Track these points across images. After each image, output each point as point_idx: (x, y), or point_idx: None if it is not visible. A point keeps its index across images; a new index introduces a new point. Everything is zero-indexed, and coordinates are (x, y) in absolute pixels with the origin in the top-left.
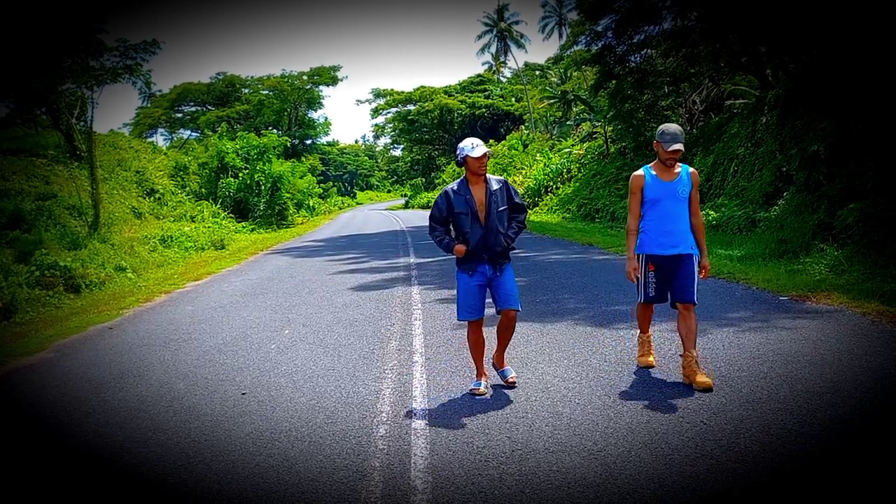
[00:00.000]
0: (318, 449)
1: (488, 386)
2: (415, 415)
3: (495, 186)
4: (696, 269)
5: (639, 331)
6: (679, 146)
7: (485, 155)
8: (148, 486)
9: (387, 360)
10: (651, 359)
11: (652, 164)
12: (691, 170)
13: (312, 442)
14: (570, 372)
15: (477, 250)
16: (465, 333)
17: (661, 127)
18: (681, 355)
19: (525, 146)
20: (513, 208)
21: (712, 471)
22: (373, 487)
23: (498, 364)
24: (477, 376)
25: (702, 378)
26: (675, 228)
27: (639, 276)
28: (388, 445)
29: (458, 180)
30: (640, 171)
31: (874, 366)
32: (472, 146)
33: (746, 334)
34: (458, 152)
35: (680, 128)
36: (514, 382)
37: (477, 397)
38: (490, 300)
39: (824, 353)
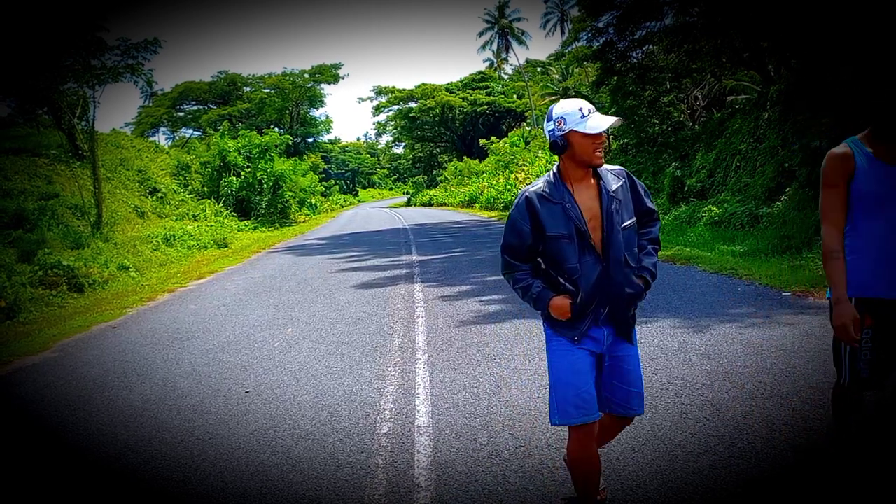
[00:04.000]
0: (322, 447)
1: None
2: (418, 412)
3: (614, 184)
4: None
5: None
6: None
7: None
8: (153, 484)
9: (390, 358)
10: None
11: (861, 134)
12: None
13: (316, 440)
14: None
15: (591, 301)
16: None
17: None
18: None
19: (527, 143)
20: (642, 217)
21: (715, 467)
22: (376, 485)
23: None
24: None
25: None
26: None
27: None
28: (391, 443)
29: (547, 177)
30: (843, 148)
31: None
32: (582, 113)
33: (749, 330)
34: (550, 125)
35: None
36: None
37: (476, 398)
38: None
39: (827, 349)
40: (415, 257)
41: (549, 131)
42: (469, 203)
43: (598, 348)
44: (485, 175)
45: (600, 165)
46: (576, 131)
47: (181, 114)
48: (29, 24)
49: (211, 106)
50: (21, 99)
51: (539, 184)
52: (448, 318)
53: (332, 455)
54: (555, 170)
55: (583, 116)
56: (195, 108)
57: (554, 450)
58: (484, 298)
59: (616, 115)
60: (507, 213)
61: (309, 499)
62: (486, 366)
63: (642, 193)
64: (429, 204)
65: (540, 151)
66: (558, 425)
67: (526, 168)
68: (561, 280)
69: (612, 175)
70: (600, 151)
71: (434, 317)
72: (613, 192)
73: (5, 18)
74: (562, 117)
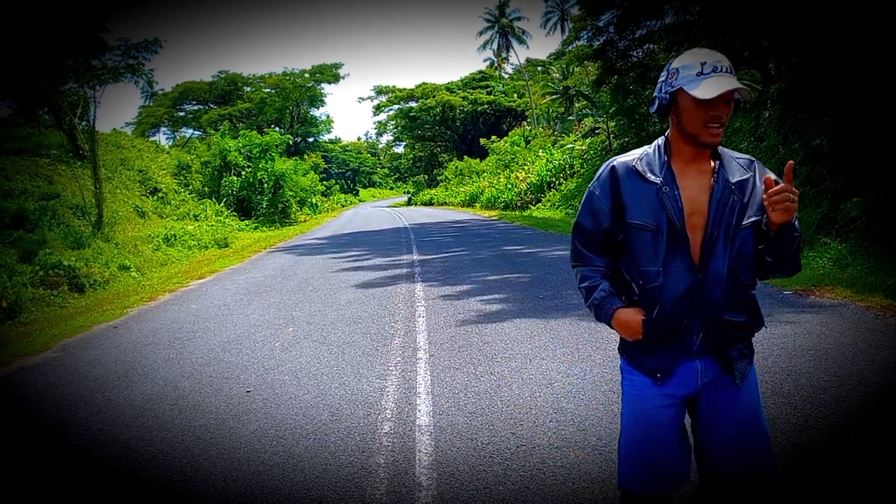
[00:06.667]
0: (323, 446)
1: None
2: (419, 411)
3: (737, 175)
4: None
5: None
6: None
7: (729, 97)
8: (154, 484)
9: (391, 358)
10: None
11: None
12: None
13: (317, 439)
14: (573, 368)
15: (672, 321)
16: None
17: None
18: None
19: (527, 142)
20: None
21: None
22: (378, 484)
23: None
24: None
25: None
26: None
27: None
28: (392, 442)
29: (647, 148)
30: None
31: (878, 359)
32: (701, 70)
33: None
34: (663, 74)
35: None
36: None
37: (481, 393)
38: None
39: (828, 347)
40: (415, 256)
41: (659, 82)
42: (470, 202)
43: (689, 389)
44: (485, 174)
45: (712, 145)
46: (685, 91)
47: (181, 114)
48: (29, 25)
49: (211, 106)
50: (21, 99)
51: (634, 154)
52: (449, 317)
53: (333, 454)
54: (661, 141)
55: (699, 74)
56: (195, 107)
57: (555, 448)
58: (485, 298)
59: (616, 115)
60: (509, 213)
61: (310, 498)
62: (487, 365)
63: None
64: (429, 203)
65: (541, 150)
66: (626, 490)
67: (527, 167)
68: (636, 285)
69: (738, 164)
70: (715, 127)
71: (435, 316)
72: (734, 184)
73: (6, 18)
74: (676, 69)
